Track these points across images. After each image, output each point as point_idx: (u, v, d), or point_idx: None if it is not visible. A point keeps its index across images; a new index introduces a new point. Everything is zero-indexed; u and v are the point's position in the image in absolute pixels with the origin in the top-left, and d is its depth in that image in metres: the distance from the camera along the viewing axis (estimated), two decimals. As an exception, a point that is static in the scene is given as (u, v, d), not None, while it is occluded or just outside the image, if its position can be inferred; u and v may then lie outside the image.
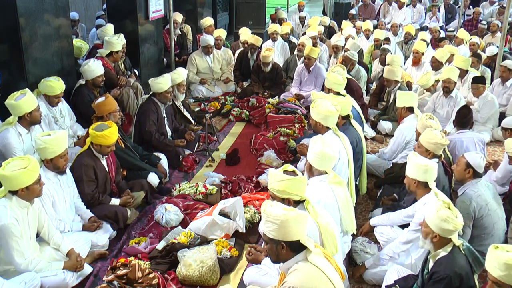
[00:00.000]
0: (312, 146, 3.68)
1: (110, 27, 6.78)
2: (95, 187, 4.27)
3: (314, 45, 8.23)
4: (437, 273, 2.91)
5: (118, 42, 6.27)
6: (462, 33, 9.61)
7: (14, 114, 4.46)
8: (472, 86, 6.58)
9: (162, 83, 5.53)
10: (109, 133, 4.19)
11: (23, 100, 4.39)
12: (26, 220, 3.42)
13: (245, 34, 9.01)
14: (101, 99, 4.77)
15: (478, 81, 6.55)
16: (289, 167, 3.32)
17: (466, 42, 9.37)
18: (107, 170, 4.41)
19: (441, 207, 2.96)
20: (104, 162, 4.38)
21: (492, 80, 7.56)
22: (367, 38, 10.17)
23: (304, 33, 9.51)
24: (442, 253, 2.98)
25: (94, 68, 5.61)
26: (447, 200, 3.11)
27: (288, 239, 2.55)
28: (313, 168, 3.69)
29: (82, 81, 5.75)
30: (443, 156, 4.34)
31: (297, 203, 3.19)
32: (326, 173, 3.67)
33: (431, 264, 3.04)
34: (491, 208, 3.84)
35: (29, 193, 3.38)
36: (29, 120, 4.50)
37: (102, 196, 4.32)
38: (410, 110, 5.36)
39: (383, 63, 8.21)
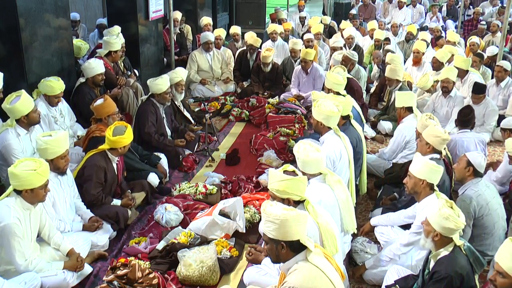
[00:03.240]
0: (296, 155, 3.67)
1: (116, 29, 6.76)
2: (101, 189, 4.27)
3: (310, 47, 8.26)
4: (438, 273, 2.91)
5: (117, 41, 6.27)
6: (453, 35, 9.33)
7: (11, 117, 4.46)
8: (473, 96, 6.42)
9: (161, 84, 5.52)
10: (129, 132, 4.27)
11: (19, 103, 4.36)
12: (28, 222, 3.42)
13: (243, 33, 9.10)
14: (99, 101, 4.74)
15: (479, 91, 6.37)
16: (289, 167, 3.31)
17: (457, 43, 9.26)
18: (116, 173, 4.42)
19: (443, 205, 2.97)
20: (115, 165, 4.39)
21: (492, 81, 7.54)
22: (372, 37, 10.12)
23: (304, 33, 9.53)
24: (443, 252, 2.97)
25: (95, 66, 5.62)
26: (449, 200, 3.11)
27: (288, 239, 2.54)
28: (306, 173, 3.68)
29: (82, 79, 5.75)
30: (445, 154, 4.34)
31: (297, 203, 3.19)
32: (320, 173, 3.66)
33: (432, 263, 3.04)
34: (492, 207, 3.84)
35: (33, 196, 3.38)
36: (27, 122, 4.49)
37: (105, 197, 4.31)
38: (409, 110, 5.36)
39: (380, 64, 8.26)
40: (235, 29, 9.50)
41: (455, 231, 2.93)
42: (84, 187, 4.18)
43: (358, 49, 8.95)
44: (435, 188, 3.63)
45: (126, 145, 4.29)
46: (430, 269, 3.03)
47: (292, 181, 3.16)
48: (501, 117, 6.30)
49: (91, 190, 4.18)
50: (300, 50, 8.11)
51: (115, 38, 6.27)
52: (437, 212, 2.95)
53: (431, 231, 2.98)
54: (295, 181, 3.17)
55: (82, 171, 4.19)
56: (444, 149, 4.68)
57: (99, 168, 4.20)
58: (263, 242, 3.68)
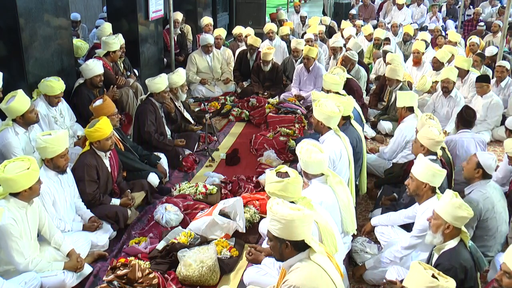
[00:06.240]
0: (299, 156, 3.65)
1: (108, 26, 6.77)
2: (97, 187, 4.26)
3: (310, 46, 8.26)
4: (442, 265, 2.89)
5: (115, 42, 6.26)
6: (454, 36, 9.38)
7: (8, 117, 4.47)
8: (476, 85, 6.54)
9: (159, 83, 5.52)
10: (101, 125, 4.19)
11: (14, 103, 4.36)
12: (26, 220, 3.42)
13: (245, 31, 9.07)
14: (98, 102, 4.74)
15: (482, 79, 6.50)
16: (282, 168, 3.30)
17: (458, 43, 9.28)
18: (109, 170, 4.41)
19: (453, 196, 3.00)
20: (106, 162, 4.38)
21: (492, 81, 7.53)
22: (369, 40, 10.11)
23: (305, 33, 9.52)
24: (448, 246, 2.99)
25: (92, 67, 5.61)
26: (454, 192, 3.13)
27: (293, 238, 2.54)
28: (308, 174, 3.68)
29: (81, 80, 5.75)
30: (441, 154, 4.33)
31: None
32: (322, 174, 3.65)
33: (435, 258, 3.04)
34: (497, 211, 3.81)
35: (31, 192, 3.39)
36: (23, 122, 4.48)
37: (103, 196, 4.31)
38: (410, 110, 5.36)
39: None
40: (239, 30, 9.45)
41: (467, 219, 2.96)
42: (79, 188, 4.17)
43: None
44: (437, 191, 3.61)
45: (107, 136, 4.22)
46: (433, 263, 3.02)
47: (282, 183, 3.15)
48: (503, 117, 6.31)
49: (86, 189, 4.17)
50: (303, 50, 8.11)
51: (114, 39, 6.26)
52: (448, 203, 2.98)
53: (441, 225, 2.99)
54: (285, 183, 3.15)
55: (73, 173, 4.17)
56: (444, 149, 4.68)
57: (89, 167, 4.19)
58: (263, 242, 3.69)
